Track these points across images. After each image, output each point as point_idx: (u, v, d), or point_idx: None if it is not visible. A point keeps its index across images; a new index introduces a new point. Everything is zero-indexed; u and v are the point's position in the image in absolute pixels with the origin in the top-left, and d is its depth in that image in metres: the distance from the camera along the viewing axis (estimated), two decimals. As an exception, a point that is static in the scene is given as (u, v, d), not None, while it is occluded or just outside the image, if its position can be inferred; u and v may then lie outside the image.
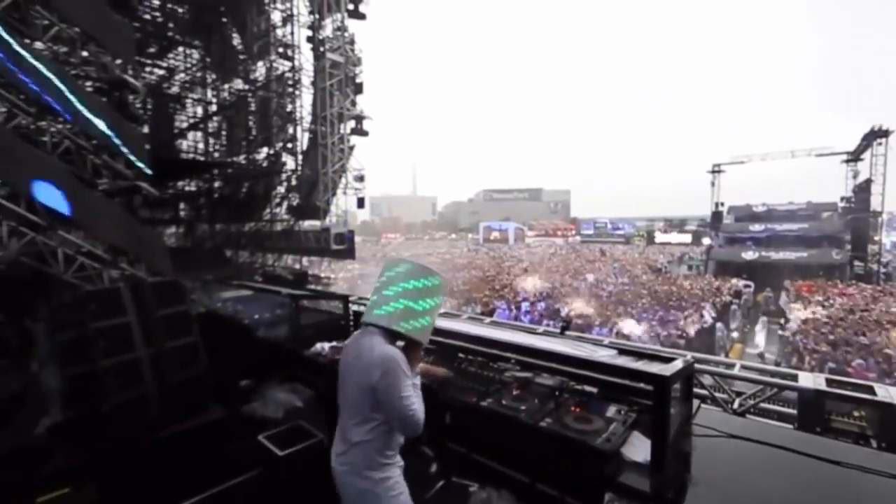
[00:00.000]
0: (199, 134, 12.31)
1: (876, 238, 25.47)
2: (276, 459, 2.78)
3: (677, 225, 54.31)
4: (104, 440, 2.72)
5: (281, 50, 11.51)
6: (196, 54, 11.98)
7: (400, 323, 1.62)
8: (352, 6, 11.02)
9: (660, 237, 54.13)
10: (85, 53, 5.65)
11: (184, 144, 12.00)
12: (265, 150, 11.83)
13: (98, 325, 2.85)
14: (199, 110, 12.44)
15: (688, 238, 50.08)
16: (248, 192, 12.03)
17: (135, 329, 3.02)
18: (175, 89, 11.87)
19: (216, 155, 11.99)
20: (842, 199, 28.21)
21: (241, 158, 12.01)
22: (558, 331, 3.21)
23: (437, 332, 2.94)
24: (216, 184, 11.83)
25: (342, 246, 10.17)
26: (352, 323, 3.84)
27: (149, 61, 10.99)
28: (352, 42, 11.08)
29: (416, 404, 1.59)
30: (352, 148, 11.24)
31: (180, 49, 11.67)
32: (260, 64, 11.84)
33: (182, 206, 12.63)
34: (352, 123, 11.75)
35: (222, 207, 11.56)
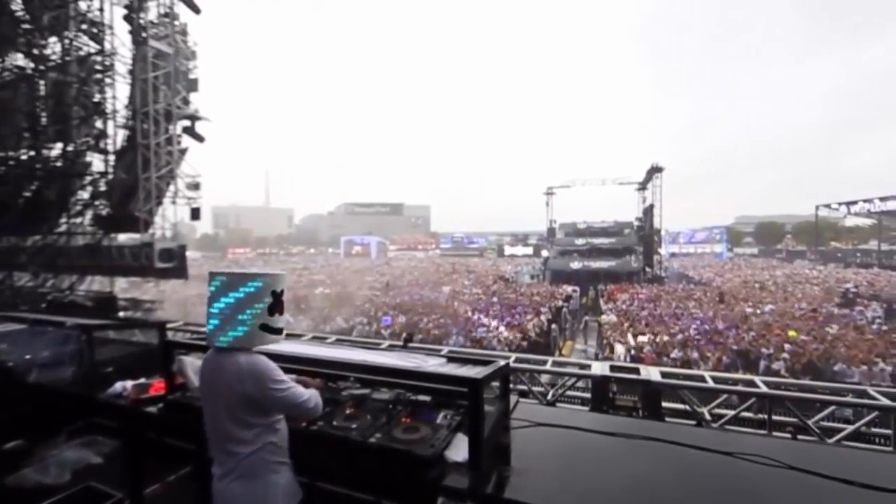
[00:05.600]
0: (-48, 118, 9.29)
1: (659, 250, 33.00)
2: (48, 537, 2.19)
3: (522, 239, 61.54)
4: None
5: (85, 27, 9.46)
6: (-53, 13, 9.09)
7: (254, 342, 1.69)
8: (183, -9, 9.67)
9: (508, 250, 60.62)
10: None
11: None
12: (61, 145, 9.47)
13: None
14: (-47, 87, 9.42)
15: (530, 250, 57.10)
16: (32, 197, 9.46)
17: None
18: None
19: (-20, 147, 9.17)
20: (636, 218, 35.89)
21: (22, 154, 9.41)
22: (402, 344, 3.29)
23: (272, 356, 2.74)
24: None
25: (170, 263, 8.63)
26: (182, 352, 3.29)
27: None
28: (184, 33, 9.71)
29: (301, 389, 1.72)
30: (183, 151, 9.74)
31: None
32: (53, 40, 9.52)
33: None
34: (186, 123, 10.25)
35: (-12, 216, 8.83)
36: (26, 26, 9.50)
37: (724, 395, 3.25)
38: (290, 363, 2.53)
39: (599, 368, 3.15)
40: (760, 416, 3.27)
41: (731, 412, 3.20)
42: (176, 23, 9.63)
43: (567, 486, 1.82)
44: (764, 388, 3.04)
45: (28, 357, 3.27)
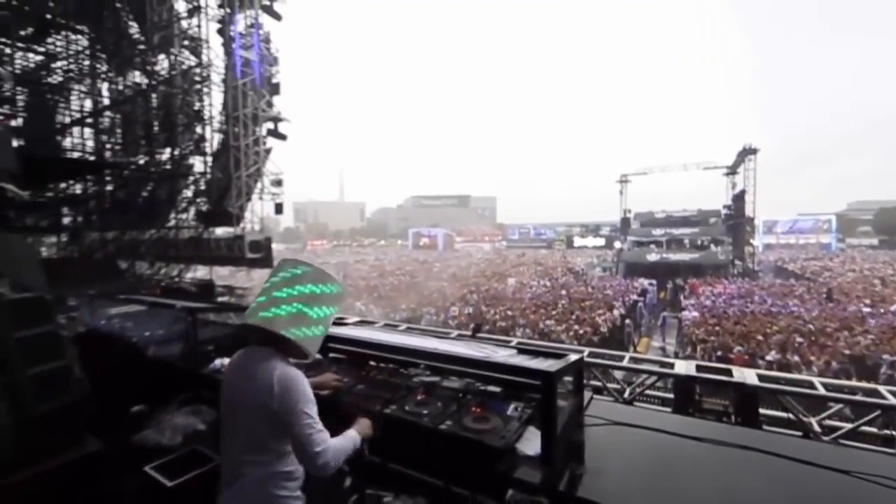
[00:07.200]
0: (88, 131, 10.93)
1: (751, 241, 29.66)
2: (165, 490, 2.50)
3: (593, 230, 58.66)
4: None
5: (187, 43, 10.61)
6: (84, 41, 10.65)
7: (290, 329, 1.43)
8: (267, 2, 10.46)
9: (578, 241, 58.16)
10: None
11: (68, 141, 10.58)
12: (169, 150, 10.78)
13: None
14: (88, 104, 11.06)
15: (602, 242, 54.31)
16: (148, 197, 10.87)
17: (-20, 355, 2.55)
18: (56, 78, 10.43)
19: (109, 154, 10.68)
20: (724, 206, 32.56)
21: (140, 159, 10.83)
22: (470, 334, 3.29)
23: (348, 341, 2.88)
24: (109, 187, 10.53)
25: (258, 254, 9.52)
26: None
27: (21, 45, 9.56)
28: (267, 41, 10.52)
29: (324, 436, 1.40)
30: (268, 151, 10.63)
31: (63, 33, 10.31)
32: (162, 57, 10.81)
33: (66, 211, 11.11)
34: (269, 125, 11.13)
35: (116, 213, 10.30)
36: (141, 47, 10.88)
37: (838, 406, 2.83)
38: (365, 348, 2.66)
39: (684, 368, 2.90)
40: (886, 432, 2.80)
41: (849, 425, 2.77)
42: (260, 32, 10.46)
43: (648, 490, 1.70)
44: (892, 400, 2.60)
45: (147, 334, 3.77)
